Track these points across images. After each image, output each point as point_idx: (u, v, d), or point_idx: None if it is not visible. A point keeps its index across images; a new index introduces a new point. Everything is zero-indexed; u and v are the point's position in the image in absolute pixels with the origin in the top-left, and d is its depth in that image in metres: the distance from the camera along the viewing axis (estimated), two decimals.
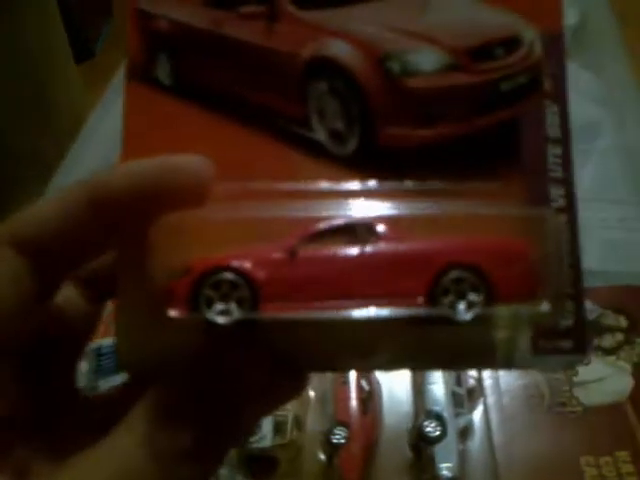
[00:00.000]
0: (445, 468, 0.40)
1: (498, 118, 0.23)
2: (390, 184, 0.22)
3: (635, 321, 0.50)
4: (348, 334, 0.21)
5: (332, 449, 0.42)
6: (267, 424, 0.42)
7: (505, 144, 0.22)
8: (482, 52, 0.23)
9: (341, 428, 0.41)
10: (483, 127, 0.23)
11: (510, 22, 0.23)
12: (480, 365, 0.25)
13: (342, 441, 0.41)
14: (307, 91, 0.23)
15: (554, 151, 0.22)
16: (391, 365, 0.23)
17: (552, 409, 0.45)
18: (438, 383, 0.44)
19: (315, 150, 0.23)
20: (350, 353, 0.22)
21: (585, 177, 0.62)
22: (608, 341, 0.49)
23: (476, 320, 0.20)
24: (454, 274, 0.20)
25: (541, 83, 0.23)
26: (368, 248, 0.20)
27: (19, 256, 0.20)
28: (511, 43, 0.23)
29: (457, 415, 0.43)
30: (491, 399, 0.46)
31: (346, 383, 0.44)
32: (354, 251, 0.20)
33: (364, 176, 0.22)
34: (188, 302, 0.20)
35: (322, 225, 0.20)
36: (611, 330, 0.50)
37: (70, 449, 0.19)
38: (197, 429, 0.19)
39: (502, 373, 0.48)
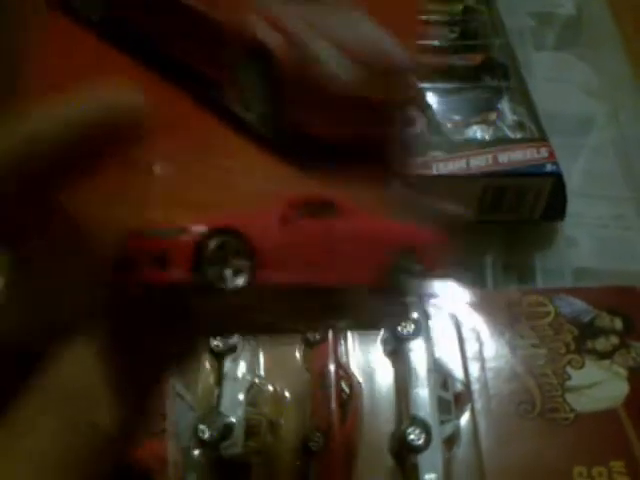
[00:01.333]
0: (429, 479, 0.37)
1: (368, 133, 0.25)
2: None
3: (631, 323, 0.47)
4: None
5: (309, 456, 0.39)
6: (239, 428, 0.39)
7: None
8: None
9: (319, 434, 0.39)
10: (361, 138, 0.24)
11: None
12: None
13: (320, 448, 0.38)
14: (230, 67, 0.23)
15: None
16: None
17: (543, 415, 0.43)
18: (423, 387, 0.41)
19: (240, 125, 0.23)
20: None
21: (578, 172, 0.59)
22: (602, 344, 0.47)
23: None
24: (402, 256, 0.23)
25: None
26: (345, 224, 0.21)
27: None
28: None
29: (443, 422, 0.40)
30: (479, 404, 0.43)
31: (324, 385, 0.41)
32: (336, 226, 0.21)
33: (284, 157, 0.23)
34: (190, 262, 0.18)
35: (305, 197, 0.21)
36: (605, 333, 0.47)
37: None
38: None
39: (491, 376, 0.45)
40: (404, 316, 0.25)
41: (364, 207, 0.22)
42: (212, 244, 0.18)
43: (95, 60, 0.21)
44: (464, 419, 0.42)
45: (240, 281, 0.18)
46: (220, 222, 0.18)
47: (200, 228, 0.18)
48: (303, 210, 0.20)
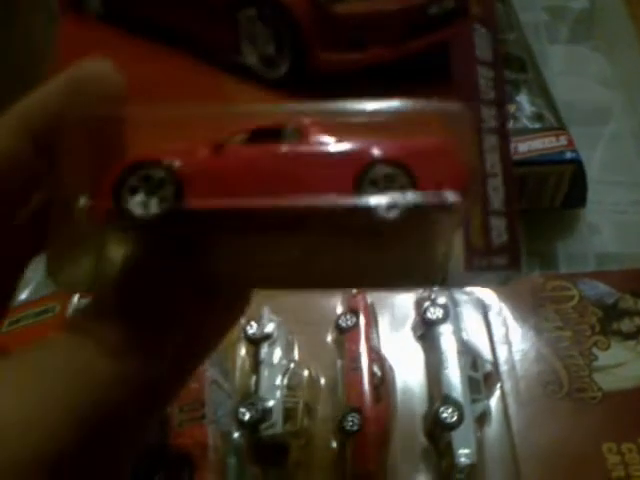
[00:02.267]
0: (463, 455, 0.38)
1: (427, 42, 0.23)
2: (320, 104, 0.21)
3: None
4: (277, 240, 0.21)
5: (345, 436, 0.40)
6: (277, 411, 0.40)
7: (436, 67, 0.23)
8: None
9: (354, 415, 0.40)
10: (413, 51, 0.23)
11: None
12: (412, 281, 0.25)
13: (355, 428, 0.39)
14: (237, 17, 0.23)
15: (485, 74, 0.22)
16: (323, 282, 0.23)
17: (571, 395, 0.44)
18: (453, 368, 0.42)
19: (245, 74, 0.23)
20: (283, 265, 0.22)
21: (596, 160, 0.60)
22: (627, 325, 0.48)
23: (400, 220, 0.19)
24: (380, 170, 0.19)
25: (468, 7, 0.23)
26: (295, 147, 0.20)
27: None
28: None
29: (474, 401, 0.41)
30: (507, 385, 0.44)
31: (357, 369, 0.43)
32: (281, 149, 0.20)
33: (294, 98, 0.22)
34: (109, 198, 0.19)
35: (249, 126, 0.20)
36: (629, 314, 0.48)
37: None
38: (134, 323, 0.19)
39: (518, 358, 0.46)
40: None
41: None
42: (133, 177, 0.19)
43: (112, 51, 0.21)
44: (494, 400, 0.43)
45: (162, 207, 0.19)
46: (144, 156, 0.19)
47: (124, 163, 0.19)
48: (247, 137, 0.20)
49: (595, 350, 0.46)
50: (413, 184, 0.19)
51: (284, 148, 0.20)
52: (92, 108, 0.19)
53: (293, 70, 0.22)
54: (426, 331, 0.45)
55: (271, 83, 0.22)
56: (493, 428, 0.42)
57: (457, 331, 0.44)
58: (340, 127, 0.20)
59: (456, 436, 0.39)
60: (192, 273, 0.20)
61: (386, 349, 0.45)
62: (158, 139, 0.20)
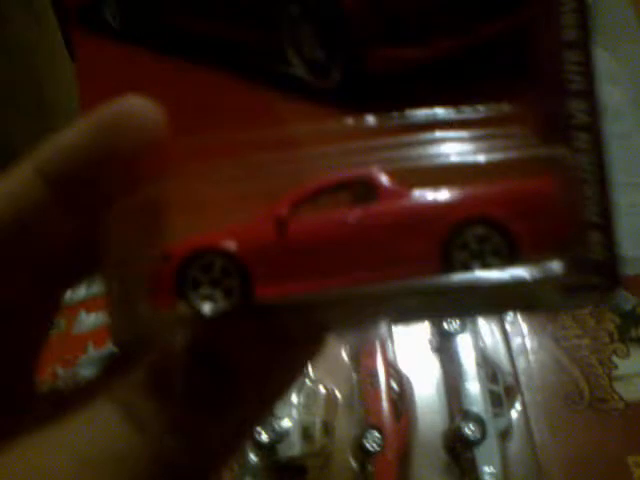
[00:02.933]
0: (487, 473, 0.37)
1: (502, 25, 0.19)
2: (386, 119, 0.18)
3: None
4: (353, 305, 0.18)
5: (365, 456, 0.39)
6: (294, 430, 0.39)
7: (513, 57, 0.19)
8: None
9: (374, 433, 0.39)
10: (485, 38, 0.19)
11: None
12: (507, 309, 0.22)
13: (376, 447, 0.38)
14: (278, 18, 0.20)
15: (572, 58, 0.19)
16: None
17: (592, 405, 0.43)
18: (473, 381, 0.41)
19: (294, 87, 0.19)
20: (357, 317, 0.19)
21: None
22: None
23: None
24: (471, 231, 0.17)
25: None
26: (367, 211, 0.17)
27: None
28: None
29: (496, 415, 0.40)
30: (528, 397, 0.43)
31: (374, 384, 0.41)
32: (352, 216, 0.17)
33: (354, 111, 0.18)
34: (172, 292, 0.17)
35: (312, 186, 0.17)
36: None
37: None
38: (189, 401, 0.17)
39: (536, 368, 0.45)
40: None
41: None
42: (193, 269, 0.17)
43: (133, 67, 0.19)
44: (514, 412, 0.42)
45: (230, 302, 0.17)
46: (198, 243, 0.17)
47: (181, 253, 0.17)
48: (310, 202, 0.17)
49: (614, 358, 0.45)
50: (511, 246, 0.16)
51: (356, 214, 0.17)
52: (129, 151, 0.17)
53: (347, 76, 0.19)
54: (443, 343, 0.44)
55: (325, 94, 0.19)
56: (515, 442, 0.41)
57: (476, 342, 0.43)
58: (418, 174, 0.17)
59: (479, 453, 0.38)
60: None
61: (402, 362, 0.44)
62: (212, 210, 0.17)
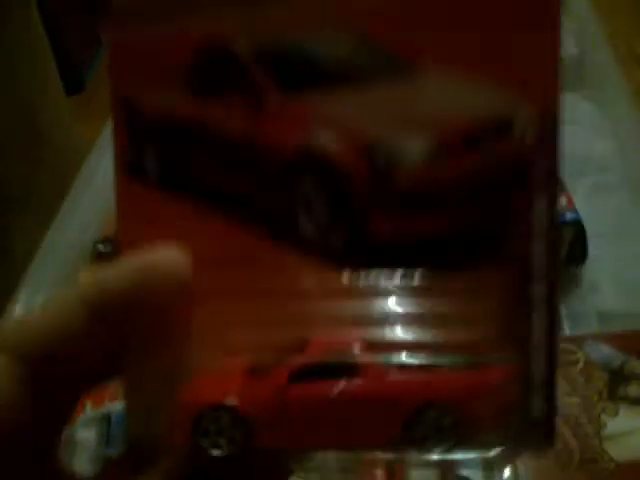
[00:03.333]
0: None
1: (483, 210, 0.22)
2: (379, 280, 0.22)
3: None
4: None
5: None
6: None
7: (489, 238, 0.22)
8: (473, 138, 0.22)
9: None
10: (469, 220, 0.22)
11: (501, 103, 0.21)
12: None
13: None
14: (292, 185, 0.22)
15: (538, 248, 0.21)
16: None
17: (583, 466, 0.43)
18: None
19: (304, 246, 0.22)
20: None
21: (595, 212, 0.60)
22: (635, 390, 0.47)
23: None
24: (430, 413, 0.21)
25: (529, 173, 0.21)
26: (349, 384, 0.21)
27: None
28: (503, 127, 0.21)
29: (486, 478, 0.40)
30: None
31: None
32: (336, 388, 0.21)
33: (354, 270, 0.22)
34: (187, 436, 0.22)
35: (307, 362, 0.22)
36: (637, 378, 0.48)
37: None
38: None
39: None
40: None
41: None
42: (206, 419, 0.21)
43: (169, 217, 0.22)
44: (505, 474, 0.43)
45: (232, 448, 0.21)
46: (214, 399, 0.22)
47: (196, 403, 0.21)
48: (304, 375, 0.21)
49: (604, 417, 0.46)
50: (460, 425, 0.20)
51: (338, 387, 0.21)
52: (157, 297, 0.20)
53: (351, 241, 0.22)
54: None
55: (331, 254, 0.22)
56: None
57: None
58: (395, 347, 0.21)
59: None
60: None
61: None
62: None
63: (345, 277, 0.22)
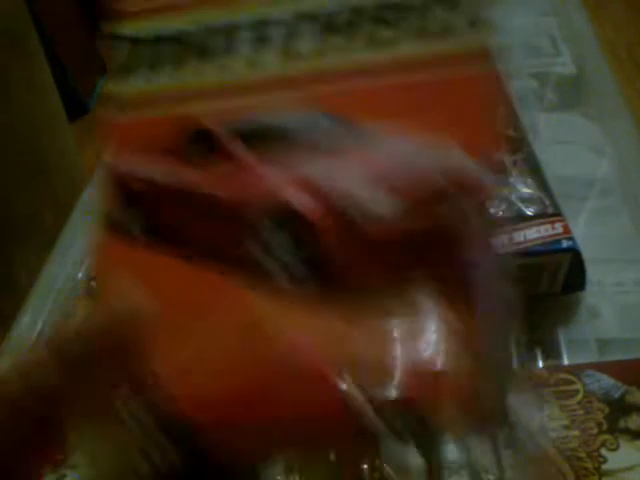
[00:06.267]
0: None
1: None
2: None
3: None
4: None
5: None
6: None
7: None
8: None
9: None
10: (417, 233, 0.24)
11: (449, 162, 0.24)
12: None
13: None
14: (268, 241, 0.24)
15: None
16: None
17: None
18: (457, 476, 0.41)
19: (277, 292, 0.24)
20: None
21: (596, 236, 0.59)
22: (635, 422, 0.46)
23: None
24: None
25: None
26: None
27: None
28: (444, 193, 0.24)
29: None
30: None
31: None
32: None
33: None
34: None
35: None
36: (637, 409, 0.46)
37: None
38: None
39: (523, 462, 0.44)
40: None
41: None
42: None
43: (142, 270, 0.24)
44: None
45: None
46: None
47: None
48: None
49: (604, 451, 0.45)
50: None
51: None
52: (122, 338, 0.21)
53: (321, 287, 0.24)
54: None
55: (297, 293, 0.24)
56: None
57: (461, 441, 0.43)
58: None
59: None
60: None
61: None
62: None
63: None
